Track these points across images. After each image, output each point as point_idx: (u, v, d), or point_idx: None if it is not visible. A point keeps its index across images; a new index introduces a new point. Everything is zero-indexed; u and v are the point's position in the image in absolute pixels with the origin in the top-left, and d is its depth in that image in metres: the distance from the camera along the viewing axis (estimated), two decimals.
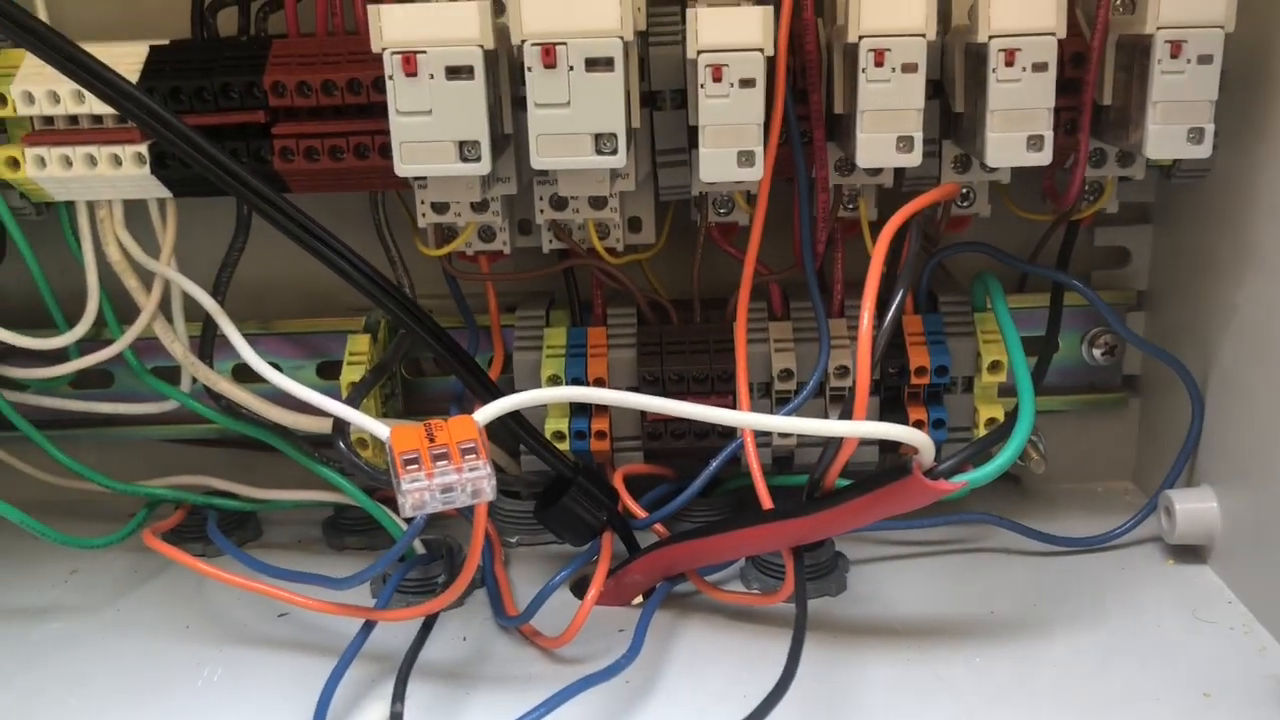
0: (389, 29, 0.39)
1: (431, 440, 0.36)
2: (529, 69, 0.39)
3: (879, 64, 0.40)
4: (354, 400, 0.47)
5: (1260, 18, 0.42)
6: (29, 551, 0.52)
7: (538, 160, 0.40)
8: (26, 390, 0.52)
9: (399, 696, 0.40)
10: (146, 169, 0.45)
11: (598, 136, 0.40)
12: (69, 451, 0.51)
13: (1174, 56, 0.40)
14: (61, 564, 0.52)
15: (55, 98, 0.44)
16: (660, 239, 0.50)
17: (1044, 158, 0.40)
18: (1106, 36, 0.42)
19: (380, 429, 0.38)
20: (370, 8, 0.39)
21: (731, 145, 0.40)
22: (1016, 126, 0.40)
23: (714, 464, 0.48)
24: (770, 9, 0.39)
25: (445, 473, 0.35)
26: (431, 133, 0.40)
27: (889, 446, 0.50)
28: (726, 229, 0.49)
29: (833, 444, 0.41)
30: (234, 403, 0.49)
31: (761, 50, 0.39)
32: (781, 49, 0.41)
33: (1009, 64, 0.40)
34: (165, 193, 0.46)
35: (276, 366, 0.44)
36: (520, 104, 0.41)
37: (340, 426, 0.44)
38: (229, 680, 0.44)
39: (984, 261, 0.51)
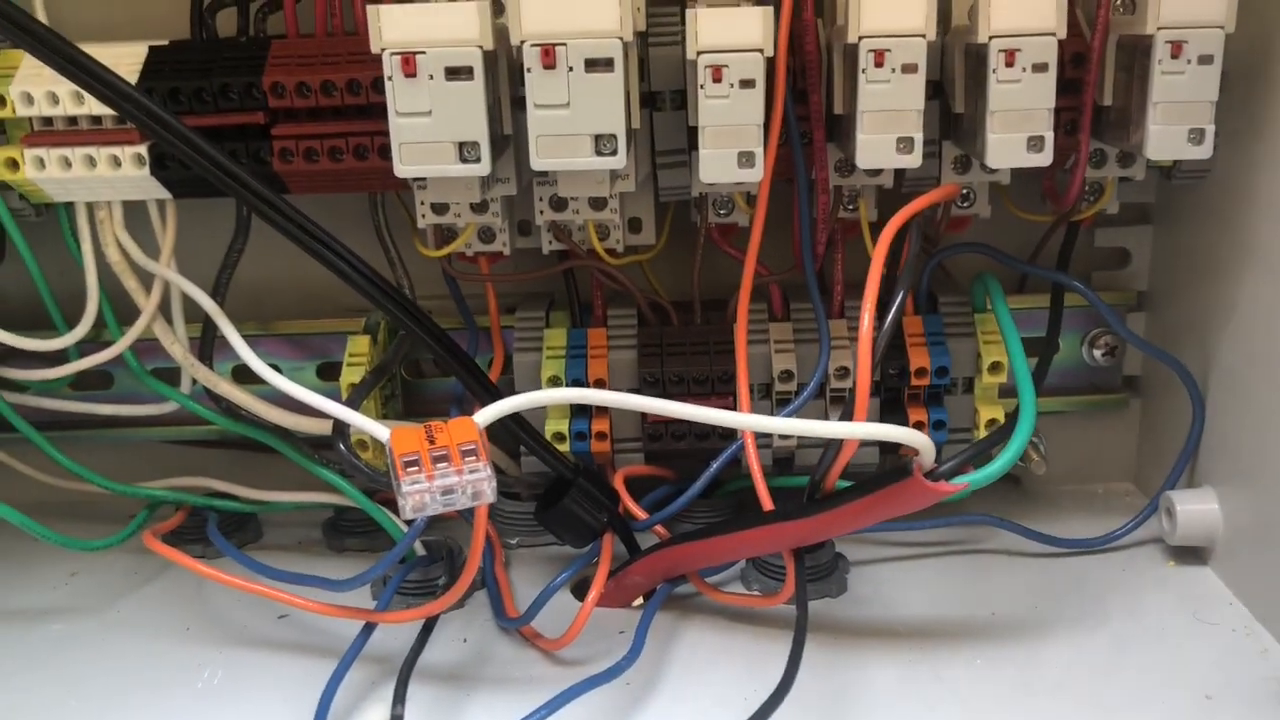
0: (388, 29, 0.39)
1: (432, 442, 0.36)
2: (528, 70, 0.39)
3: (879, 64, 0.39)
4: (354, 402, 0.47)
5: (1260, 18, 0.42)
6: (29, 553, 0.52)
7: (537, 161, 0.40)
8: (26, 392, 0.52)
9: (399, 699, 0.40)
10: (146, 170, 0.45)
11: (597, 137, 0.40)
12: (69, 453, 0.51)
13: (1174, 57, 0.40)
14: (62, 566, 0.52)
15: (54, 98, 0.44)
16: (660, 240, 0.50)
17: (1044, 158, 0.40)
18: (1107, 37, 0.42)
19: (380, 431, 0.38)
20: (369, 8, 0.39)
21: (731, 146, 0.40)
22: (1017, 127, 0.40)
23: (714, 465, 0.48)
24: (770, 9, 0.39)
25: (445, 475, 0.35)
26: (431, 133, 0.40)
27: (889, 448, 0.50)
28: (726, 230, 0.49)
29: (833, 445, 0.41)
30: (234, 404, 0.49)
31: (761, 51, 0.39)
32: (781, 50, 0.41)
33: (1009, 64, 0.39)
34: (165, 194, 0.46)
35: (276, 368, 0.44)
36: (520, 105, 0.41)
37: (340, 428, 0.44)
38: (229, 682, 0.44)
39: (984, 262, 0.51)
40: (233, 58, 0.45)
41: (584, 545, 0.48)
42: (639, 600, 0.48)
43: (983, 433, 0.49)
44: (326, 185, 0.45)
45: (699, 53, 0.39)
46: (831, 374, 0.48)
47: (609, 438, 0.50)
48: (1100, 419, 0.55)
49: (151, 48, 0.45)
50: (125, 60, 0.44)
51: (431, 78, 0.39)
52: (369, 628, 0.44)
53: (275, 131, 0.44)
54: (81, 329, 0.49)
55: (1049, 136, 0.40)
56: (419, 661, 0.43)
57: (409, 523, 0.46)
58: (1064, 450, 0.53)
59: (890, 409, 0.49)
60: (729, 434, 0.49)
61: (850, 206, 0.48)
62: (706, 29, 0.39)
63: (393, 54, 0.39)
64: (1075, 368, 0.54)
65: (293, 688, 0.43)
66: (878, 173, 0.46)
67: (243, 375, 0.50)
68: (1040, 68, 0.40)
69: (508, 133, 0.43)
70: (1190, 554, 0.49)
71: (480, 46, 0.39)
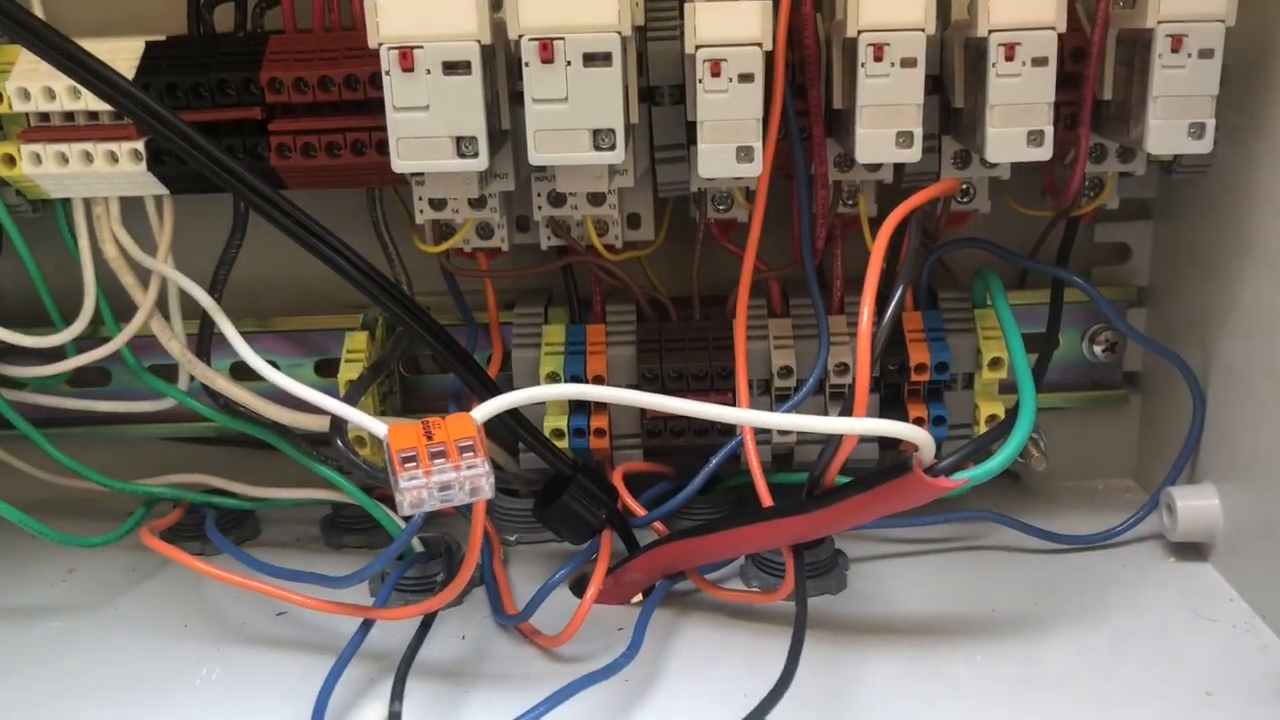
0: (386, 24, 0.39)
1: (429, 438, 0.36)
2: (526, 64, 0.39)
3: (878, 59, 0.39)
4: (352, 398, 0.46)
5: (1261, 12, 0.42)
6: (27, 550, 0.52)
7: (535, 156, 0.40)
8: (24, 389, 0.52)
9: (397, 695, 0.40)
10: (143, 166, 0.44)
11: (596, 132, 0.39)
12: (67, 450, 0.51)
13: (1175, 51, 0.39)
14: (59, 563, 0.52)
15: (51, 94, 0.44)
16: (659, 236, 0.50)
17: (1044, 153, 0.40)
18: (1107, 31, 0.42)
19: (378, 427, 0.37)
20: (367, 3, 0.39)
21: (730, 141, 0.40)
22: (1016, 121, 0.40)
23: (713, 461, 0.47)
24: (769, 3, 0.39)
25: (443, 471, 0.35)
26: (428, 128, 0.39)
27: (889, 444, 0.50)
28: (725, 225, 0.49)
29: (832, 441, 0.41)
30: (232, 401, 0.49)
31: (760, 45, 0.39)
32: (780, 44, 0.41)
33: (1009, 58, 0.39)
34: (162, 190, 0.46)
35: (274, 364, 0.43)
36: (518, 99, 0.41)
37: (338, 424, 0.43)
38: (227, 679, 0.44)
39: (984, 258, 0.51)
40: (230, 53, 0.44)
41: (583, 542, 0.48)
42: (638, 597, 0.48)
43: (983, 428, 0.49)
44: (324, 181, 0.45)
45: (698, 47, 0.39)
46: (831, 370, 0.48)
47: (608, 434, 0.49)
48: (1101, 415, 0.55)
49: (148, 43, 0.45)
50: (122, 56, 0.44)
51: (429, 72, 0.39)
52: (367, 624, 0.44)
53: (272, 127, 0.44)
54: (79, 325, 0.49)
55: (1049, 131, 0.40)
56: (417, 658, 0.43)
57: (407, 519, 0.46)
58: (1064, 446, 0.53)
59: (890, 405, 0.49)
60: (728, 430, 0.49)
61: (850, 202, 0.48)
62: (705, 23, 0.39)
63: (390, 48, 0.39)
64: (1075, 364, 0.54)
65: (291, 684, 0.42)
66: (877, 168, 0.46)
67: (240, 372, 0.50)
68: (1040, 62, 0.39)
69: (506, 128, 0.43)
70: (1191, 550, 0.49)
71: (478, 41, 0.39)
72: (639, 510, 0.49)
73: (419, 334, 0.43)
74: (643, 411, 0.49)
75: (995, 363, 0.48)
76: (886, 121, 0.40)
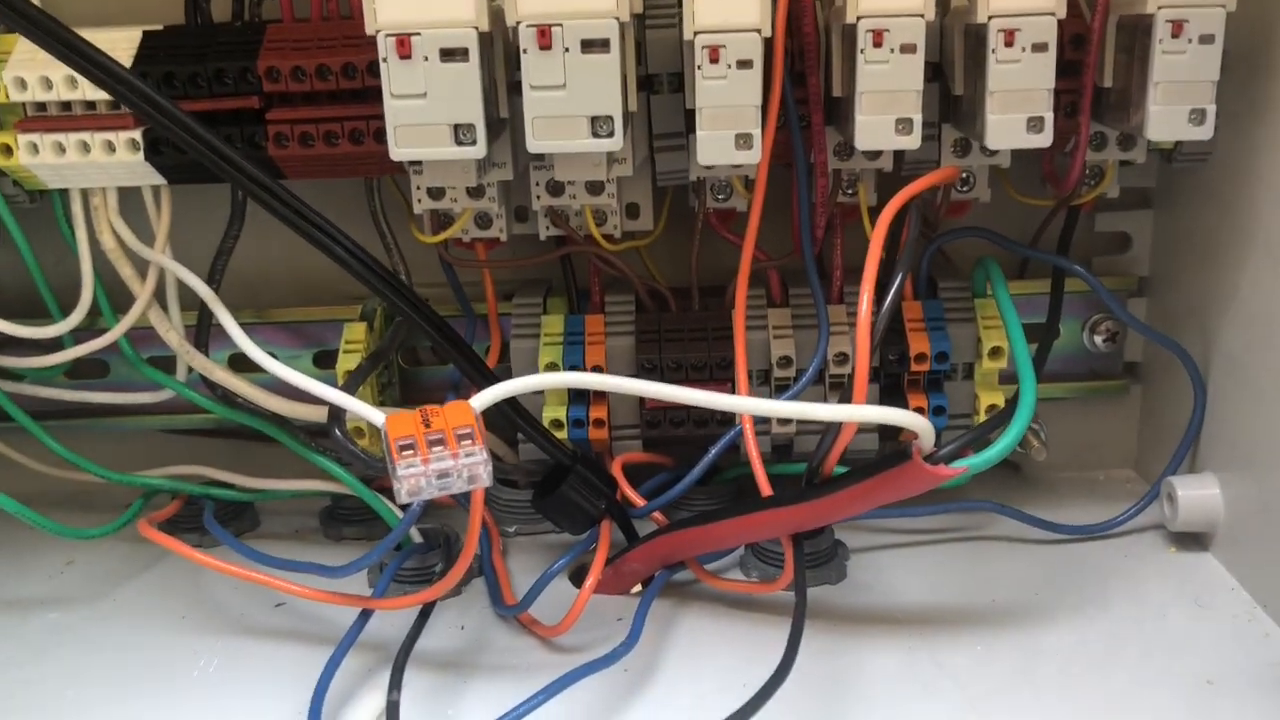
0: (383, 11, 0.38)
1: (427, 426, 0.36)
2: (524, 51, 0.39)
3: (877, 45, 0.39)
4: (350, 387, 0.46)
5: None
6: (25, 542, 0.52)
7: (534, 143, 0.40)
8: (22, 380, 0.52)
9: (396, 685, 0.40)
10: (140, 156, 0.44)
11: (594, 119, 0.39)
12: (65, 442, 0.51)
13: (1175, 36, 0.39)
14: (58, 554, 0.52)
15: (48, 84, 0.44)
16: (658, 225, 0.50)
17: (1044, 139, 0.40)
18: (1107, 17, 0.41)
19: (375, 415, 0.37)
20: None
21: (729, 128, 0.40)
22: (1016, 108, 0.40)
23: (713, 451, 0.47)
24: None
25: (441, 458, 0.35)
26: (426, 116, 0.39)
27: (889, 434, 0.50)
28: (725, 215, 0.49)
29: (832, 429, 0.41)
30: (230, 392, 0.49)
31: (759, 31, 0.39)
32: (779, 31, 0.41)
33: (1008, 44, 0.39)
34: (159, 180, 0.46)
35: (272, 356, 0.43)
36: (516, 89, 0.41)
37: (336, 414, 0.43)
38: (226, 670, 0.44)
39: (984, 247, 0.51)
40: (227, 42, 0.44)
41: (582, 532, 0.48)
42: (637, 587, 0.48)
43: (983, 418, 0.49)
44: (322, 170, 0.45)
45: (696, 33, 0.39)
46: (830, 359, 0.48)
47: (607, 424, 0.49)
48: (1101, 405, 0.55)
49: (146, 32, 0.45)
50: (120, 45, 0.44)
51: (426, 59, 0.39)
52: (365, 614, 0.44)
53: (270, 116, 0.44)
54: (76, 317, 0.49)
55: (1049, 117, 0.40)
56: (416, 648, 0.43)
57: (405, 508, 0.46)
58: (1065, 436, 0.53)
59: (890, 395, 0.49)
60: (727, 421, 0.48)
61: (849, 191, 0.48)
62: (704, 9, 0.39)
63: (387, 35, 0.39)
64: (1076, 354, 0.54)
65: (289, 674, 0.42)
66: (877, 156, 0.46)
67: (239, 363, 0.50)
68: (1040, 48, 0.39)
69: (504, 116, 0.43)
70: (1191, 540, 0.49)
71: (475, 27, 0.38)
72: (638, 501, 0.48)
73: (418, 324, 0.43)
74: (642, 402, 0.49)
75: (995, 352, 0.48)
76: (886, 108, 0.40)
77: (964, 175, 0.48)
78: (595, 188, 0.46)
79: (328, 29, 0.44)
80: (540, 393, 0.49)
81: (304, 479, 0.52)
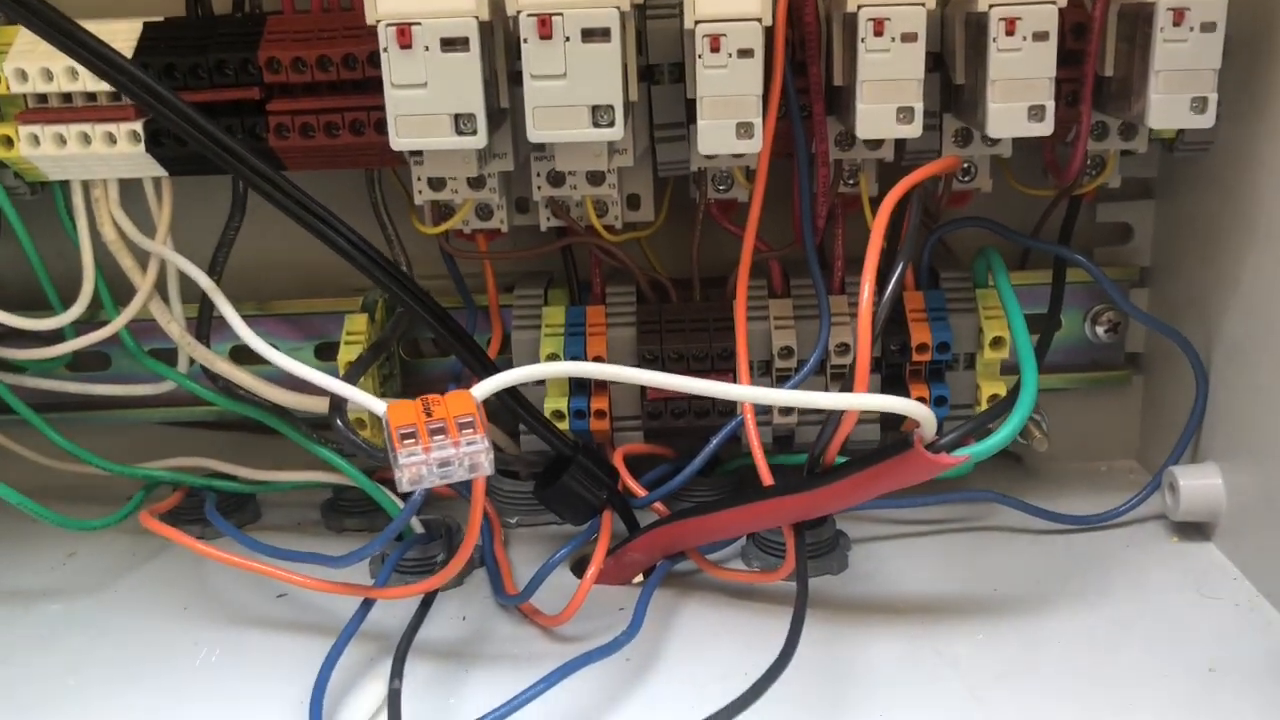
0: (383, 1, 0.38)
1: (429, 415, 0.36)
2: (525, 40, 0.38)
3: (878, 33, 0.39)
4: (351, 377, 0.46)
5: None
6: (27, 534, 0.52)
7: (534, 133, 0.40)
8: (24, 373, 0.52)
9: (397, 674, 0.40)
10: (141, 147, 0.44)
11: (595, 109, 0.39)
12: (67, 434, 0.51)
13: (1176, 24, 0.39)
14: (60, 546, 0.52)
15: (49, 75, 0.44)
16: (659, 216, 0.50)
17: (1045, 128, 0.40)
18: (1108, 5, 0.41)
19: (377, 404, 0.37)
20: None
21: (730, 117, 0.40)
22: (1018, 96, 0.40)
23: (714, 441, 0.47)
24: None
25: (442, 447, 0.35)
26: (427, 105, 0.39)
27: (890, 424, 0.50)
28: (726, 206, 0.49)
29: (833, 419, 0.41)
30: (232, 383, 0.49)
31: (759, 20, 0.39)
32: (780, 20, 0.41)
33: (1010, 33, 0.39)
34: (160, 171, 0.46)
35: (274, 347, 0.43)
36: (516, 78, 0.41)
37: (338, 405, 0.43)
38: (228, 660, 0.44)
39: (986, 237, 0.51)
40: (228, 33, 0.44)
41: (583, 523, 0.48)
42: (638, 577, 0.48)
43: (985, 408, 0.49)
44: (323, 161, 0.45)
45: (697, 22, 0.39)
46: (832, 350, 0.48)
47: (608, 415, 0.49)
48: (1103, 395, 0.55)
49: (147, 24, 0.45)
50: (121, 36, 0.44)
51: (427, 49, 0.39)
52: (367, 604, 0.44)
53: (271, 107, 0.44)
54: (77, 308, 0.49)
55: (1050, 105, 0.40)
56: (418, 638, 0.43)
57: (406, 497, 0.46)
58: (1066, 427, 0.53)
59: (892, 385, 0.49)
60: (729, 411, 0.48)
61: (851, 181, 0.48)
62: None
63: (388, 25, 0.39)
64: (1078, 344, 0.54)
65: (291, 664, 0.42)
66: (878, 145, 0.46)
67: (240, 355, 0.50)
68: (1041, 36, 0.39)
69: (504, 106, 0.43)
70: (1193, 529, 0.49)
71: (476, 17, 0.38)
72: (639, 491, 0.48)
73: (419, 315, 0.43)
74: (643, 393, 0.49)
75: (997, 342, 0.48)
76: (887, 97, 0.40)
77: (965, 165, 0.48)
78: (596, 178, 0.46)
79: (328, 20, 0.44)
80: (542, 384, 0.49)
81: (306, 470, 0.52)
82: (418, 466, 0.35)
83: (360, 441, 0.44)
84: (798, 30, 0.43)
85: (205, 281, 0.46)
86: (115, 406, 0.53)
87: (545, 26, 0.38)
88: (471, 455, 0.35)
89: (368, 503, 0.51)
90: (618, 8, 0.38)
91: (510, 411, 0.45)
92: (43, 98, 0.45)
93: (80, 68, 0.42)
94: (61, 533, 0.49)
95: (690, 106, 0.42)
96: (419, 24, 0.38)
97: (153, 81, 0.39)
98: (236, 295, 0.47)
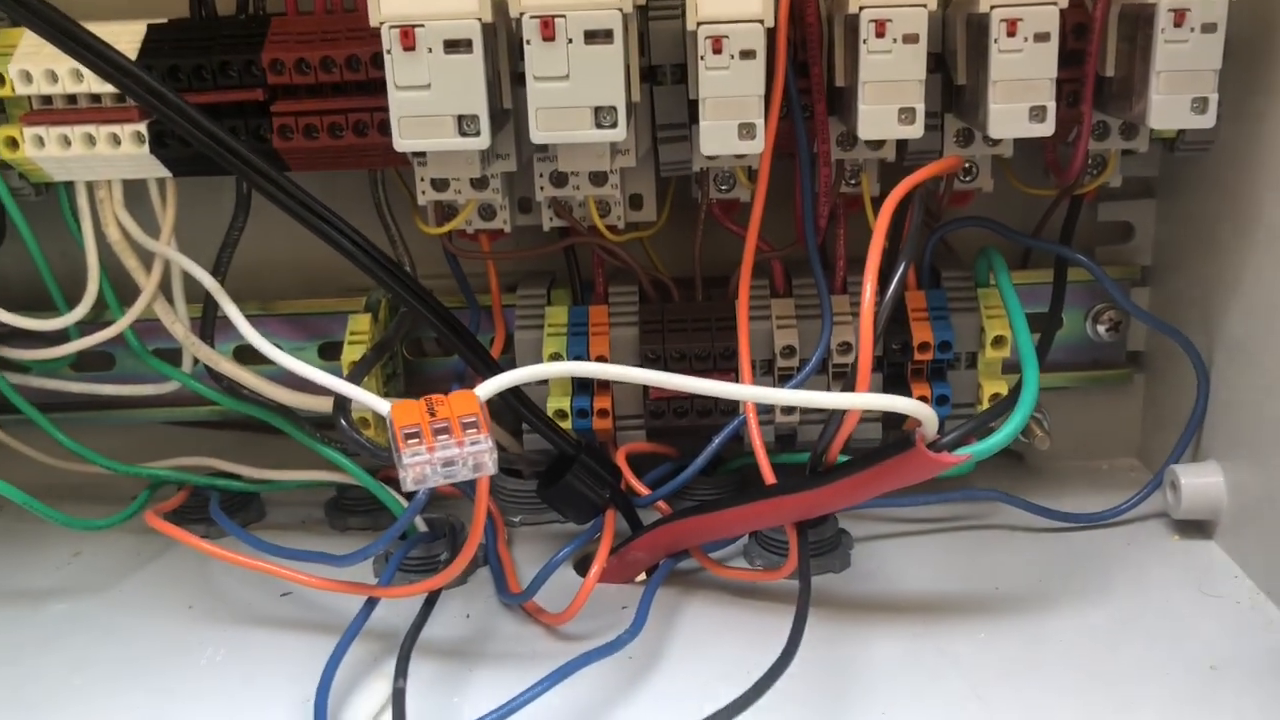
0: (387, 3, 0.39)
1: (433, 415, 0.36)
2: (528, 42, 0.39)
3: (880, 34, 0.39)
4: (355, 377, 0.47)
5: None
6: (33, 533, 0.52)
7: (537, 134, 0.40)
8: (28, 373, 0.52)
9: (401, 672, 0.40)
10: (145, 148, 0.44)
11: (597, 110, 0.39)
12: (71, 434, 0.51)
13: (1177, 25, 0.39)
14: (65, 546, 0.52)
15: (53, 77, 0.44)
16: (661, 216, 0.50)
17: (1046, 128, 0.40)
18: (1109, 6, 0.41)
19: (381, 404, 0.37)
20: None
21: (732, 118, 0.40)
22: (1019, 97, 0.40)
23: (717, 440, 0.48)
24: None
25: (446, 446, 0.35)
26: (430, 107, 0.39)
27: (892, 424, 0.50)
28: (728, 206, 0.49)
29: (835, 418, 0.41)
30: (236, 383, 0.49)
31: (762, 21, 0.39)
32: (782, 21, 0.41)
33: (1011, 34, 0.39)
34: (164, 172, 0.46)
35: (278, 347, 0.44)
36: (519, 80, 0.41)
37: (341, 404, 0.44)
38: (232, 659, 0.44)
39: (987, 236, 0.51)
40: (232, 35, 0.44)
41: (586, 522, 0.48)
42: (641, 576, 0.48)
43: (986, 407, 0.49)
44: (326, 162, 0.45)
45: (699, 23, 0.39)
46: (834, 349, 0.48)
47: (611, 415, 0.50)
48: (1104, 394, 0.55)
49: (150, 25, 0.45)
50: (124, 38, 0.44)
51: (430, 51, 0.39)
52: (371, 603, 0.44)
53: (275, 108, 0.44)
54: (82, 309, 0.49)
55: (1051, 106, 0.40)
56: (421, 637, 0.43)
57: (410, 496, 0.46)
58: (1068, 425, 0.53)
59: (893, 384, 0.49)
60: (731, 411, 0.49)
61: (852, 181, 0.48)
62: (706, 0, 0.39)
63: (391, 27, 0.39)
64: (1079, 343, 0.54)
65: (296, 663, 0.43)
66: (880, 146, 0.46)
67: (244, 356, 0.50)
68: (1042, 37, 0.39)
69: (507, 107, 0.43)
70: (1195, 528, 0.49)
71: (479, 19, 0.39)
72: (642, 490, 0.49)
73: (422, 315, 0.43)
74: (646, 392, 0.50)
75: (998, 341, 0.48)
76: (889, 98, 0.40)
77: (967, 165, 0.48)
78: (599, 178, 0.47)
79: (331, 21, 0.44)
80: (544, 383, 0.49)
81: (310, 469, 0.52)
82: (422, 466, 0.35)
83: (364, 441, 0.44)
84: (799, 31, 0.43)
85: (209, 282, 0.46)
86: (120, 406, 0.54)
87: (548, 28, 0.38)
88: (475, 455, 0.35)
89: (371, 501, 0.51)
90: (620, 9, 0.38)
91: (513, 410, 0.45)
92: (47, 99, 0.45)
93: (84, 69, 0.42)
94: (67, 532, 0.49)
95: (692, 107, 0.42)
96: (422, 26, 0.38)
97: (156, 83, 0.39)
98: (240, 295, 0.47)
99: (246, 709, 0.41)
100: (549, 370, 0.40)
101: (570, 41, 0.39)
